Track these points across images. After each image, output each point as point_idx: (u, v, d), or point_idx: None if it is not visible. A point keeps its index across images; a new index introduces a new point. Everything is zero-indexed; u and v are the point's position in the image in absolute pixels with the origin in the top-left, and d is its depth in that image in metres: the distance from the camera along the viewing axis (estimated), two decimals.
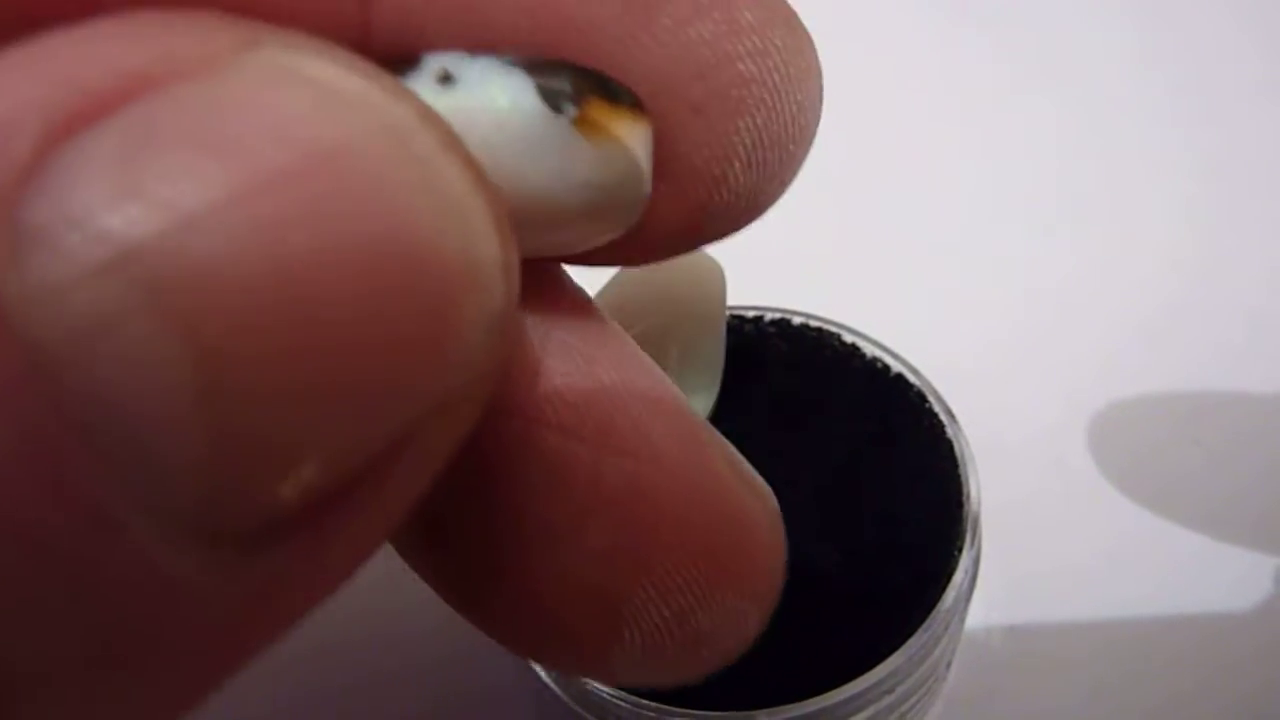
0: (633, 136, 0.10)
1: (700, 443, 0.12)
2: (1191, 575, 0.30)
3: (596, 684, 0.21)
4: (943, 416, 0.24)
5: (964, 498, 0.22)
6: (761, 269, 0.27)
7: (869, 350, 0.25)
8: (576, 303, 0.12)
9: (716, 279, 0.24)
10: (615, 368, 0.12)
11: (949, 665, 0.23)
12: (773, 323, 0.25)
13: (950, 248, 0.37)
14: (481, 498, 0.11)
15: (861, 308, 0.27)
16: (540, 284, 0.12)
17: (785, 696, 0.20)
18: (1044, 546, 0.30)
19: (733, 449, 0.12)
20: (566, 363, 0.12)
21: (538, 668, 0.22)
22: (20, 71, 0.06)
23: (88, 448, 0.06)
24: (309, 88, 0.07)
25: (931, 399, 0.24)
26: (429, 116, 0.08)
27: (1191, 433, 0.32)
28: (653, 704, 0.20)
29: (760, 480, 0.12)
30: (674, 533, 0.11)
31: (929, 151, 0.39)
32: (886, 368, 0.24)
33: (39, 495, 0.06)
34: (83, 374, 0.06)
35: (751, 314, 0.25)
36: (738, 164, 0.11)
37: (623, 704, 0.20)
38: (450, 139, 0.08)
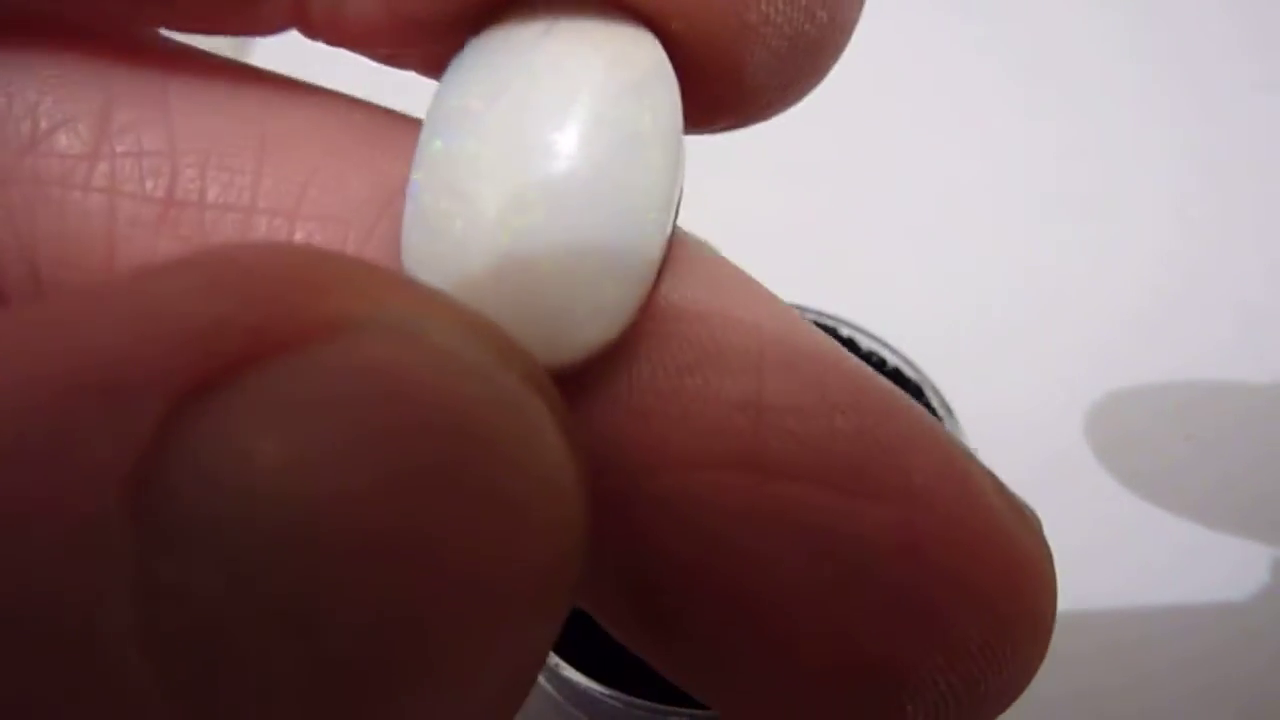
0: None
1: (967, 476, 0.10)
2: (1188, 565, 0.30)
3: (587, 681, 0.20)
4: (939, 410, 0.24)
5: None
6: (758, 263, 0.27)
7: (865, 344, 0.24)
8: (778, 305, 0.10)
9: None
10: (850, 389, 0.10)
11: None
12: None
13: (947, 242, 0.36)
14: (718, 575, 0.10)
15: (858, 302, 0.26)
16: (737, 290, 0.10)
17: None
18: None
19: (996, 476, 0.10)
20: (792, 390, 0.10)
21: None
22: (150, 325, 0.06)
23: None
24: (437, 357, 0.07)
25: (928, 392, 0.24)
26: (536, 381, 0.08)
27: (1185, 425, 0.32)
28: (645, 703, 0.20)
29: (1029, 508, 0.10)
30: (953, 586, 0.09)
31: (927, 146, 0.39)
32: (883, 361, 0.24)
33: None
34: (204, 675, 0.06)
35: None
36: None
37: (615, 702, 0.20)
38: (551, 405, 0.08)
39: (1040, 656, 0.10)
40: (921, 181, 0.38)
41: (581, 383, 0.10)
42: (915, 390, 0.24)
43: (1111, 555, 0.30)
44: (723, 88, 0.10)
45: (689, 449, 0.09)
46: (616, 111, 0.09)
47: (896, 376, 0.24)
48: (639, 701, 0.20)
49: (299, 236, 0.10)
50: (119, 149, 0.10)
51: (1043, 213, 0.37)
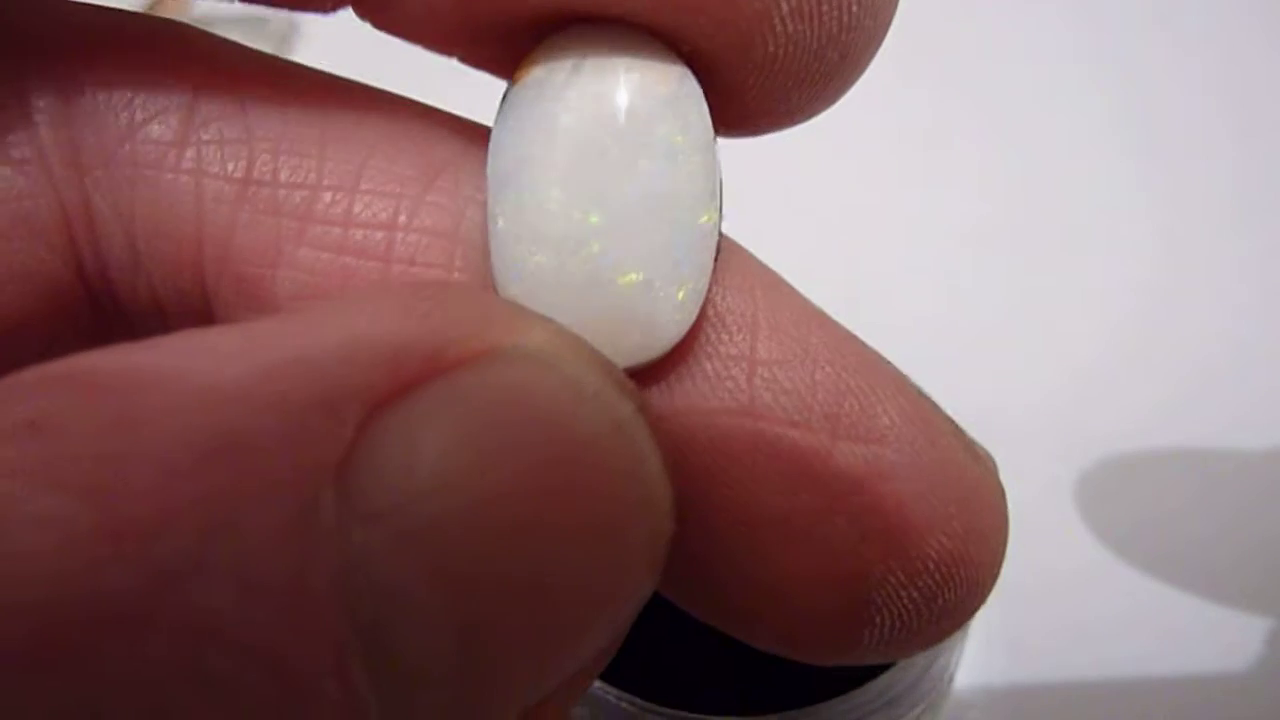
0: None
1: (928, 420, 0.11)
2: (1184, 592, 0.30)
3: (597, 682, 0.21)
4: None
5: None
6: None
7: None
8: (769, 277, 0.12)
9: None
10: (830, 346, 0.11)
11: (950, 680, 0.24)
12: None
13: (946, 283, 0.37)
14: (715, 502, 0.11)
15: (857, 326, 0.27)
16: (730, 263, 0.12)
17: (787, 704, 0.20)
18: (1044, 561, 0.30)
19: (954, 421, 0.12)
20: (781, 348, 0.11)
21: None
22: (351, 351, 0.08)
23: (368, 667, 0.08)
24: (566, 383, 0.09)
25: None
26: (644, 408, 0.10)
27: (1181, 462, 0.33)
28: (655, 707, 0.20)
29: (982, 448, 0.12)
30: (916, 513, 0.11)
31: (930, 188, 0.39)
32: None
33: (314, 671, 0.07)
34: (378, 631, 0.08)
35: None
36: (785, 4, 0.10)
37: (625, 704, 0.20)
38: (654, 432, 0.10)
39: (991, 578, 0.12)
40: (924, 210, 0.39)
41: None
42: None
43: (1118, 573, 0.30)
44: (753, 100, 0.11)
45: (691, 396, 0.11)
46: (652, 133, 0.11)
47: None
48: (650, 705, 0.20)
49: (358, 209, 0.12)
50: (204, 137, 0.12)
51: (1052, 249, 0.38)
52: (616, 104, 0.11)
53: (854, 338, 0.12)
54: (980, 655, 0.28)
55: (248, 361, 0.08)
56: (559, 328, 0.09)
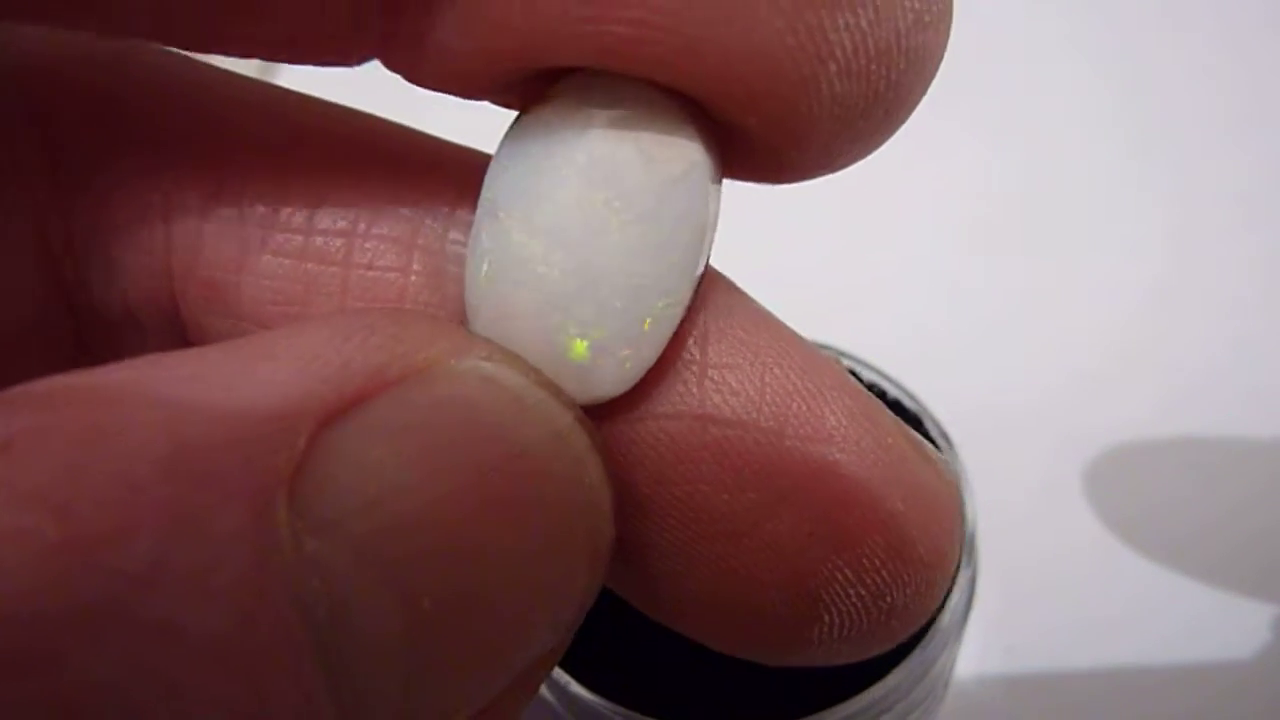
0: None
1: (876, 420, 0.12)
2: (1184, 594, 0.30)
3: (584, 690, 0.21)
4: (939, 440, 0.24)
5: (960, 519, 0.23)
6: (759, 294, 0.28)
7: (866, 375, 0.25)
8: (722, 285, 0.12)
9: None
10: (778, 350, 0.12)
11: (946, 684, 0.24)
12: None
13: (950, 275, 0.37)
14: (666, 503, 0.11)
15: (857, 332, 0.27)
16: None
17: (782, 714, 0.20)
18: (1040, 573, 0.30)
19: (904, 424, 0.12)
20: (730, 352, 0.11)
21: None
22: (303, 371, 0.09)
23: (323, 669, 0.08)
24: (507, 396, 0.10)
25: (927, 423, 0.24)
26: (583, 421, 0.10)
27: (1181, 458, 0.33)
28: (631, 712, 0.20)
29: (935, 451, 0.12)
30: (863, 511, 0.11)
31: (932, 183, 0.40)
32: (883, 392, 0.25)
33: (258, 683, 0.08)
34: (331, 630, 0.08)
35: None
36: (833, 66, 0.10)
37: (622, 719, 0.20)
38: (593, 441, 0.10)
39: (942, 579, 0.12)
40: (925, 215, 0.39)
41: None
42: (914, 421, 0.24)
43: (1096, 583, 0.30)
44: (788, 160, 0.11)
45: (644, 400, 0.11)
46: (649, 207, 0.11)
47: (896, 407, 0.25)
48: (640, 716, 0.20)
49: (319, 218, 0.12)
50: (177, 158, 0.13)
51: (1050, 250, 0.38)
52: (621, 173, 0.11)
53: (802, 341, 0.12)
54: (982, 646, 0.28)
55: (206, 381, 0.08)
56: (499, 346, 0.10)
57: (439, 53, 0.11)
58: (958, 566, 0.22)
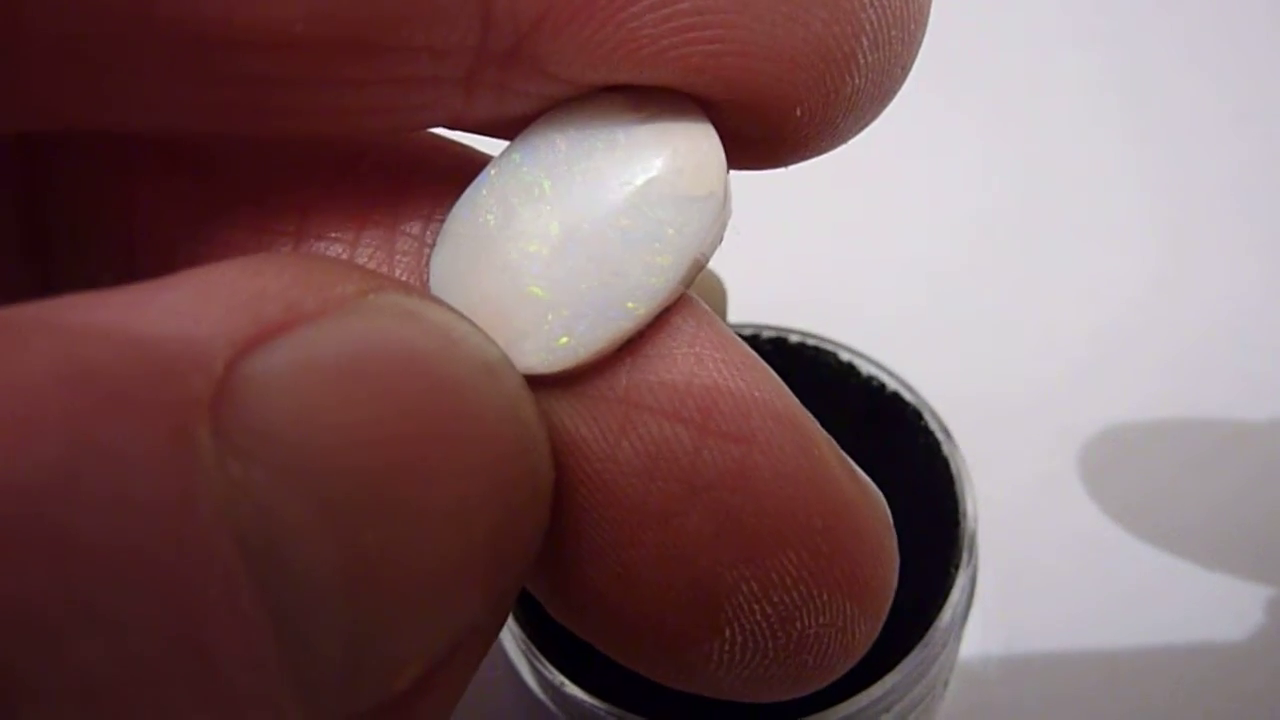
0: None
1: (804, 430, 0.11)
2: (1183, 584, 0.30)
3: (579, 691, 0.21)
4: (939, 434, 0.24)
5: (960, 516, 0.23)
6: (760, 287, 0.27)
7: (865, 368, 0.25)
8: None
9: (718, 296, 0.24)
10: (717, 349, 0.11)
11: (946, 683, 0.23)
12: (770, 340, 0.25)
13: (947, 266, 0.37)
14: (579, 483, 0.11)
15: (858, 325, 0.27)
16: None
17: (782, 714, 0.20)
18: (1040, 564, 0.30)
19: (837, 445, 0.12)
20: (664, 342, 0.11)
21: (522, 672, 0.22)
22: (208, 300, 0.08)
23: (269, 623, 0.08)
24: (432, 329, 0.09)
25: (928, 416, 0.24)
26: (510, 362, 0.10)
27: (1178, 446, 0.33)
28: (623, 711, 0.20)
29: (870, 482, 0.12)
30: (777, 520, 0.11)
31: (929, 175, 0.39)
32: (883, 385, 0.25)
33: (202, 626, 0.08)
34: (267, 560, 0.08)
35: (749, 331, 0.25)
36: (865, 41, 0.10)
37: (610, 717, 0.20)
38: (522, 378, 0.10)
39: (869, 620, 0.11)
40: (924, 209, 0.39)
41: None
42: (914, 414, 0.24)
43: (1096, 574, 0.30)
44: (805, 138, 0.11)
45: (569, 380, 0.11)
46: (649, 226, 0.11)
47: (896, 400, 0.24)
48: (631, 716, 0.20)
49: (274, 193, 0.12)
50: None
51: (1046, 242, 0.38)
52: (629, 190, 0.11)
53: (739, 341, 0.12)
54: (981, 637, 0.28)
55: (110, 309, 0.08)
56: (418, 288, 0.10)
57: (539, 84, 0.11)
58: (956, 567, 0.22)
